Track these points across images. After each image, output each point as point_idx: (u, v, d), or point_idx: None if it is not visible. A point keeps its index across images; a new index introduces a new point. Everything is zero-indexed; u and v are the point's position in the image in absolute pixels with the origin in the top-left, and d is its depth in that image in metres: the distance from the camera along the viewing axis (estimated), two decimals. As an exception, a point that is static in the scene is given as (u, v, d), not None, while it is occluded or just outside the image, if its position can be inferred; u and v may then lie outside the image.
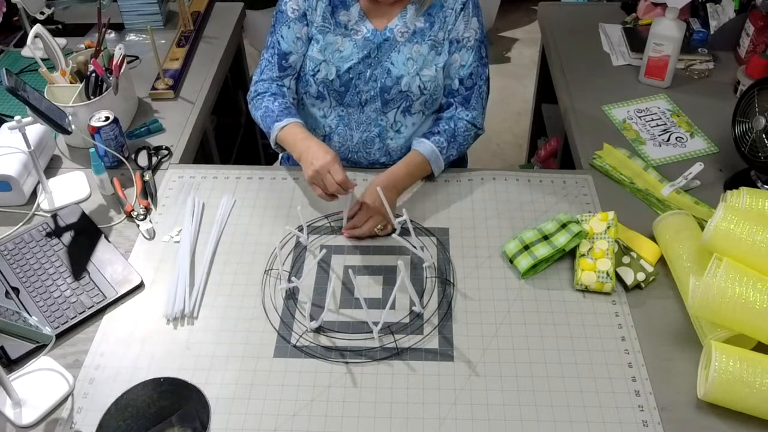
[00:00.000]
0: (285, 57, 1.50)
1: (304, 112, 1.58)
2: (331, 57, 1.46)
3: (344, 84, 1.47)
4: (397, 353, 1.18)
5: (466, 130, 1.51)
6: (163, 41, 2.02)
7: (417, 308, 1.24)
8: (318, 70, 1.47)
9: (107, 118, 1.51)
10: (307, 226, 1.39)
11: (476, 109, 1.52)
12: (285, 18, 1.49)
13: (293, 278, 1.28)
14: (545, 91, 2.31)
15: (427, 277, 1.31)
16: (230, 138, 2.38)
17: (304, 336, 1.21)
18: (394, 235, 1.36)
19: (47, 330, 1.10)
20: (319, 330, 1.21)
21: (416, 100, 1.47)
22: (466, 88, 1.50)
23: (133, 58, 1.95)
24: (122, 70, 1.65)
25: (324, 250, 1.35)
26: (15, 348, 1.16)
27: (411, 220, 1.35)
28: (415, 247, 1.32)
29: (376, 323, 1.18)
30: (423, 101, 1.48)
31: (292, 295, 1.27)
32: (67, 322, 1.22)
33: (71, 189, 1.50)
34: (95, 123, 1.50)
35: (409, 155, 1.47)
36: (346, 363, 1.16)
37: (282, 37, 1.49)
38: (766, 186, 1.46)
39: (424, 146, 1.46)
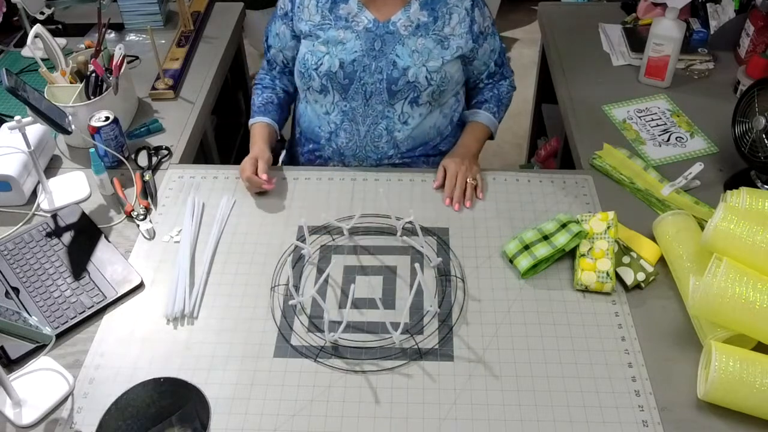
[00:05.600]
0: (268, 50, 1.63)
1: (308, 111, 1.58)
2: (333, 49, 1.48)
3: (348, 76, 1.48)
4: (398, 354, 1.18)
5: (508, 92, 1.70)
6: (163, 41, 2.02)
7: (433, 308, 1.24)
8: (321, 63, 1.48)
9: (107, 118, 1.51)
10: (310, 233, 1.37)
11: (510, 75, 1.71)
12: (275, 13, 1.58)
13: (295, 295, 1.26)
14: (545, 91, 2.31)
15: (436, 277, 1.31)
16: (230, 138, 2.38)
17: (304, 337, 1.21)
18: (398, 236, 1.37)
19: (47, 330, 1.10)
20: (318, 329, 1.21)
21: (423, 90, 1.49)
22: (499, 66, 1.65)
23: (133, 58, 1.95)
24: (122, 70, 1.65)
25: (332, 264, 1.32)
26: (15, 348, 1.16)
27: (411, 222, 1.35)
28: (422, 247, 1.33)
29: (376, 324, 1.18)
30: (430, 92, 1.49)
31: (294, 307, 1.26)
32: (67, 322, 1.22)
33: (71, 189, 1.50)
34: (95, 123, 1.50)
35: (470, 126, 1.62)
36: (346, 363, 1.16)
37: (269, 30, 1.61)
38: (766, 186, 1.46)
39: (480, 116, 1.63)
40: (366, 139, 1.54)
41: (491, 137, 1.66)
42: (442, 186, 1.49)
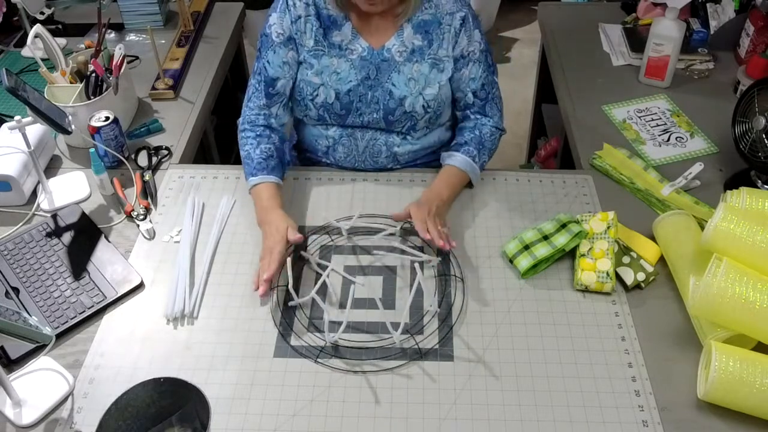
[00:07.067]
0: (272, 83, 1.45)
1: (304, 130, 1.57)
2: (328, 80, 1.43)
3: (345, 107, 1.45)
4: (398, 354, 1.18)
5: (492, 135, 1.52)
6: (163, 41, 2.02)
7: (433, 308, 1.24)
8: (317, 95, 1.44)
9: (107, 118, 1.51)
10: (310, 233, 1.37)
11: (496, 114, 1.53)
12: (270, 42, 1.43)
13: (295, 297, 1.25)
14: (545, 91, 2.31)
15: (435, 277, 1.31)
16: (230, 138, 2.37)
17: (303, 337, 1.21)
18: (397, 236, 1.37)
19: (47, 330, 1.10)
20: (318, 329, 1.21)
21: (420, 119, 1.46)
22: (481, 99, 1.50)
23: (133, 58, 1.95)
24: (122, 70, 1.65)
25: (331, 264, 1.31)
26: (15, 348, 1.16)
27: (410, 222, 1.35)
28: (421, 248, 1.33)
29: (376, 324, 1.17)
30: (427, 119, 1.47)
31: (294, 308, 1.26)
32: (67, 322, 1.22)
33: (71, 189, 1.50)
34: (95, 123, 1.50)
35: (444, 171, 1.46)
36: (346, 364, 1.16)
37: (268, 62, 1.44)
38: (766, 186, 1.46)
39: (457, 159, 1.46)
40: (365, 154, 1.52)
41: (470, 183, 1.48)
42: (399, 219, 1.37)
